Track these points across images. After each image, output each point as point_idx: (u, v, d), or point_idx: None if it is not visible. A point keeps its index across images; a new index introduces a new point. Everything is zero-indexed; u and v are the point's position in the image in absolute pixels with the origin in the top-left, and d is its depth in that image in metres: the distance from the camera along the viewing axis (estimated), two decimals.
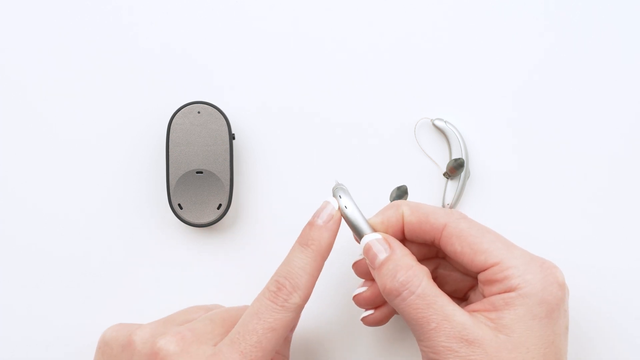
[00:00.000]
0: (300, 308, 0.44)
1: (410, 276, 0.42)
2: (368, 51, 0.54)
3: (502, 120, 0.54)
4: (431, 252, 0.48)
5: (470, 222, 0.45)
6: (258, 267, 0.53)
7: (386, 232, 0.45)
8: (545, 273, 0.42)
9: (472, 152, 0.54)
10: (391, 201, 0.49)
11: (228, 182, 0.52)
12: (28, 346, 0.54)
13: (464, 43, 0.54)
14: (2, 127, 0.54)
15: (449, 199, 0.53)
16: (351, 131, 0.54)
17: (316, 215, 0.45)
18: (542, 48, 0.54)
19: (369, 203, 0.48)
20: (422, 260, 0.47)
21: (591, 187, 0.53)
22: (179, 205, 0.52)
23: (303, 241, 0.44)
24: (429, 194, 0.54)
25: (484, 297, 0.43)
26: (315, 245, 0.44)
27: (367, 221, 0.45)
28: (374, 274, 0.44)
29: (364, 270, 0.48)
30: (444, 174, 0.53)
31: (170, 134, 0.52)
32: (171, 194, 0.52)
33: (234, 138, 0.53)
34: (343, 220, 0.45)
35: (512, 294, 0.42)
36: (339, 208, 0.45)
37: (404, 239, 0.46)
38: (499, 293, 0.42)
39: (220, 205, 0.52)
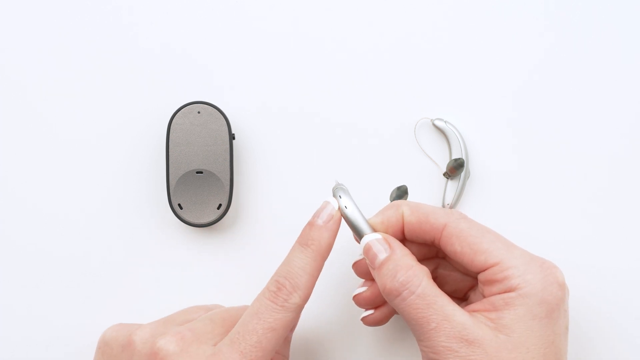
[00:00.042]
0: (300, 308, 0.44)
1: (410, 276, 0.42)
2: (368, 51, 0.54)
3: (502, 120, 0.54)
4: (431, 252, 0.48)
5: (470, 222, 0.44)
6: (258, 267, 0.53)
7: (386, 232, 0.45)
8: (545, 273, 0.42)
9: (472, 152, 0.54)
10: (391, 201, 0.49)
11: (228, 182, 0.52)
12: (28, 346, 0.54)
13: (464, 43, 0.54)
14: (2, 127, 0.54)
15: (449, 199, 0.53)
16: (351, 131, 0.54)
17: (316, 215, 0.45)
18: (542, 48, 0.54)
19: (369, 203, 0.48)
20: (422, 260, 0.47)
21: (591, 187, 0.53)
22: (179, 205, 0.52)
23: (303, 241, 0.44)
24: (429, 194, 0.54)
25: (484, 297, 0.43)
26: (315, 245, 0.44)
27: (367, 221, 0.45)
28: (374, 274, 0.44)
29: (364, 270, 0.48)
30: (444, 174, 0.53)
31: (170, 134, 0.52)
32: (171, 194, 0.52)
33: (234, 138, 0.53)
34: (343, 220, 0.45)
35: (512, 294, 0.42)
36: (339, 208, 0.45)
37: (404, 239, 0.46)
38: (499, 293, 0.42)
39: (220, 205, 0.52)
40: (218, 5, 0.54)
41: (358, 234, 0.45)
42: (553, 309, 0.42)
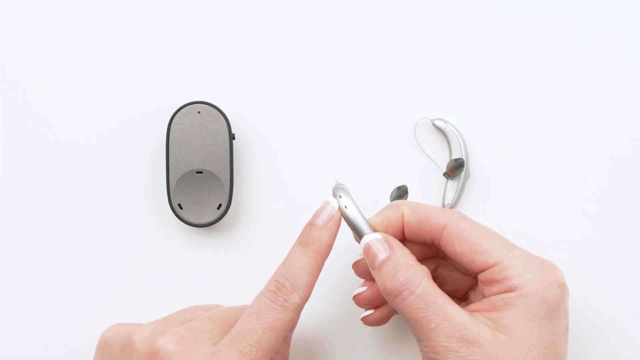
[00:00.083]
0: (300, 308, 0.44)
1: (410, 276, 0.42)
2: (368, 51, 0.54)
3: (502, 120, 0.54)
4: (431, 252, 0.48)
5: (470, 222, 0.44)
6: (258, 267, 0.53)
7: (386, 232, 0.45)
8: (545, 273, 0.42)
9: (472, 152, 0.54)
10: (391, 201, 0.49)
11: (228, 182, 0.52)
12: (28, 346, 0.54)
13: (464, 43, 0.54)
14: (2, 127, 0.54)
15: (449, 199, 0.53)
16: (351, 131, 0.54)
17: (316, 215, 0.45)
18: (542, 48, 0.54)
19: (369, 203, 0.48)
20: (422, 260, 0.47)
21: (591, 187, 0.53)
22: (179, 205, 0.52)
23: (303, 241, 0.44)
24: (429, 194, 0.54)
25: (484, 297, 0.43)
26: (315, 245, 0.44)
27: (367, 221, 0.45)
28: (374, 274, 0.44)
29: (364, 270, 0.48)
30: (444, 174, 0.53)
31: (170, 134, 0.52)
32: (171, 194, 0.52)
33: (234, 138, 0.53)
34: (343, 220, 0.45)
35: (512, 294, 0.42)
36: (339, 208, 0.45)
37: (404, 239, 0.46)
38: (499, 293, 0.42)
39: (220, 205, 0.52)
40: (218, 5, 0.54)
41: (358, 234, 0.45)
42: (553, 309, 0.42)
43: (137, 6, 0.55)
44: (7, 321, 0.54)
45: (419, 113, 0.54)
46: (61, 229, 0.54)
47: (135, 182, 0.54)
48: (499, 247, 0.43)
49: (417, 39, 0.54)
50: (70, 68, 0.54)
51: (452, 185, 0.53)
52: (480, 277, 0.43)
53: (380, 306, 0.48)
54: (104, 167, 0.54)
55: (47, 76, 0.54)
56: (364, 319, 0.48)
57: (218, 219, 0.52)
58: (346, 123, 0.54)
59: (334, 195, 0.45)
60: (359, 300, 0.48)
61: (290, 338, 0.49)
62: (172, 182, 0.52)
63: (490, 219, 0.48)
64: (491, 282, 0.43)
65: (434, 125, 0.53)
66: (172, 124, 0.52)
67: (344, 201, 0.45)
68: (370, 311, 0.48)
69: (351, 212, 0.45)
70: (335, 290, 0.53)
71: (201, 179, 0.52)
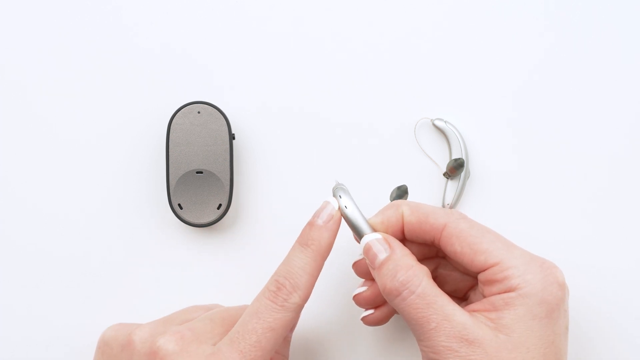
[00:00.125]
0: (299, 308, 0.44)
1: (410, 276, 0.42)
2: (368, 51, 0.54)
3: (502, 120, 0.54)
4: (431, 252, 0.48)
5: (470, 222, 0.44)
6: (258, 267, 0.53)
7: (386, 232, 0.45)
8: (545, 273, 0.42)
9: (472, 152, 0.54)
10: (391, 201, 0.49)
11: (228, 182, 0.52)
12: (28, 346, 0.54)
13: (464, 43, 0.54)
14: (2, 127, 0.54)
15: (449, 199, 0.53)
16: (351, 131, 0.54)
17: (316, 215, 0.45)
18: (542, 48, 0.54)
19: (369, 203, 0.48)
20: (422, 260, 0.47)
21: (591, 187, 0.53)
22: (179, 205, 0.52)
23: (303, 241, 0.44)
24: (429, 194, 0.54)
25: (484, 297, 0.43)
26: (315, 245, 0.44)
27: (367, 221, 0.45)
28: (374, 273, 0.44)
29: (364, 270, 0.48)
30: (444, 174, 0.53)
31: (170, 134, 0.52)
32: (171, 194, 0.52)
33: (234, 138, 0.53)
34: (343, 220, 0.45)
35: (512, 294, 0.42)
36: (339, 208, 0.45)
37: (404, 239, 0.46)
38: (499, 293, 0.42)
39: (220, 205, 0.52)
40: (218, 5, 0.54)
41: (358, 234, 0.45)
42: (553, 309, 0.42)
43: (137, 6, 0.55)
44: (7, 321, 0.54)
45: (419, 113, 0.54)
46: (61, 229, 0.54)
47: (135, 182, 0.54)
48: (499, 247, 0.43)
49: (417, 39, 0.54)
50: (70, 68, 0.54)
51: (452, 185, 0.53)
52: (480, 277, 0.43)
53: (380, 306, 0.48)
54: (104, 167, 0.54)
55: (47, 76, 0.54)
56: (364, 319, 0.48)
57: (218, 219, 0.52)
58: (346, 123, 0.54)
59: (334, 195, 0.45)
60: (359, 300, 0.48)
61: (290, 338, 0.49)
62: (172, 182, 0.52)
63: (490, 219, 0.48)
64: (491, 282, 0.43)
65: (434, 125, 0.53)
66: (172, 124, 0.52)
67: (344, 201, 0.45)
68: (370, 311, 0.48)
69: (351, 212, 0.45)
70: (335, 290, 0.53)
71: (201, 179, 0.52)
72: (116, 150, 0.54)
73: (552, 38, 0.54)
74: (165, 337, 0.44)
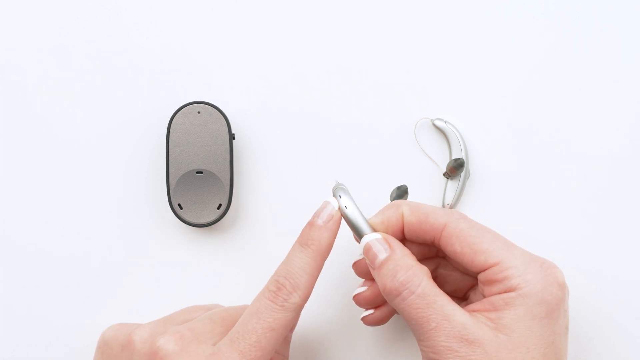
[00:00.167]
0: (299, 308, 0.44)
1: (410, 276, 0.42)
2: (368, 51, 0.54)
3: (502, 120, 0.54)
4: (431, 252, 0.48)
5: (470, 222, 0.44)
6: (258, 267, 0.53)
7: (386, 232, 0.45)
8: (545, 273, 0.42)
9: (472, 152, 0.54)
10: (391, 201, 0.49)
11: (228, 182, 0.52)
12: (28, 346, 0.54)
13: (464, 43, 0.54)
14: (2, 127, 0.54)
15: (449, 199, 0.53)
16: (351, 131, 0.54)
17: (316, 215, 0.45)
18: (542, 48, 0.54)
19: (369, 203, 0.48)
20: (422, 260, 0.47)
21: (591, 187, 0.53)
22: (179, 205, 0.52)
23: (303, 241, 0.44)
24: (429, 194, 0.54)
25: (484, 297, 0.43)
26: (315, 245, 0.44)
27: (367, 221, 0.45)
28: (374, 273, 0.44)
29: (364, 270, 0.48)
30: (444, 174, 0.53)
31: (170, 134, 0.52)
32: (171, 194, 0.52)
33: (234, 138, 0.53)
34: (343, 220, 0.45)
35: (512, 294, 0.42)
36: (339, 208, 0.45)
37: (403, 239, 0.46)
38: (499, 293, 0.42)
39: (220, 205, 0.52)
40: (218, 5, 0.54)
41: (358, 234, 0.45)
42: (553, 309, 0.42)
43: (137, 6, 0.55)
44: (7, 321, 0.54)
45: (419, 113, 0.54)
46: (61, 229, 0.54)
47: (135, 182, 0.54)
48: (499, 247, 0.43)
49: (417, 39, 0.54)
50: (70, 68, 0.54)
51: (452, 185, 0.53)
52: (480, 277, 0.43)
53: (380, 306, 0.48)
54: (104, 167, 0.54)
55: (47, 76, 0.54)
56: (364, 319, 0.48)
57: (218, 219, 0.52)
58: (346, 123, 0.54)
59: (334, 195, 0.45)
60: (359, 300, 0.48)
61: (290, 338, 0.49)
62: (172, 182, 0.52)
63: (490, 219, 0.48)
64: (491, 282, 0.43)
65: (434, 125, 0.53)
66: (172, 124, 0.52)
67: (344, 201, 0.45)
68: (370, 311, 0.48)
69: (351, 212, 0.45)
70: (335, 290, 0.53)
71: (201, 179, 0.52)
72: (116, 150, 0.54)
73: (552, 38, 0.54)
74: (165, 337, 0.44)
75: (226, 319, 0.46)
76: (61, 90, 0.54)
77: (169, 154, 0.52)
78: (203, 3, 0.54)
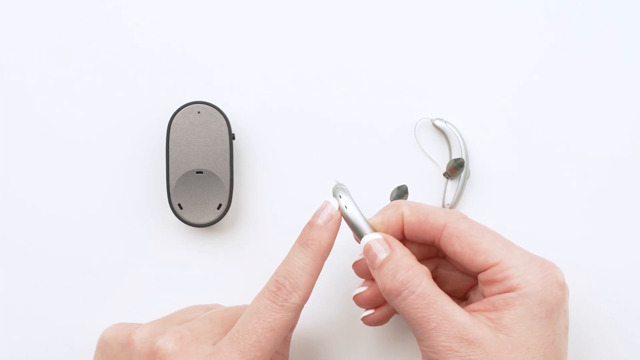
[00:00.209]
0: (299, 308, 0.44)
1: (410, 276, 0.42)
2: (368, 51, 0.54)
3: (502, 120, 0.54)
4: (431, 252, 0.48)
5: (470, 222, 0.44)
6: (258, 267, 0.53)
7: (386, 232, 0.45)
8: (545, 273, 0.42)
9: (472, 152, 0.54)
10: (391, 201, 0.49)
11: (228, 182, 0.52)
12: (28, 346, 0.54)
13: (464, 43, 0.54)
14: (2, 127, 0.54)
15: (449, 199, 0.53)
16: (351, 131, 0.54)
17: (316, 215, 0.45)
18: (542, 48, 0.54)
19: (369, 203, 0.48)
20: (422, 260, 0.47)
21: (591, 187, 0.53)
22: (179, 205, 0.52)
23: (303, 241, 0.44)
24: (429, 194, 0.54)
25: (484, 297, 0.43)
26: (315, 245, 0.44)
27: (367, 221, 0.45)
28: (374, 273, 0.44)
29: (364, 270, 0.48)
30: (444, 174, 0.53)
31: (170, 134, 0.52)
32: (171, 194, 0.52)
33: (234, 138, 0.53)
34: (343, 220, 0.45)
35: (512, 294, 0.42)
36: (339, 208, 0.45)
37: (403, 239, 0.46)
38: (499, 293, 0.42)
39: (220, 205, 0.52)
40: (218, 5, 0.54)
41: (358, 234, 0.45)
42: (553, 309, 0.42)
43: (137, 6, 0.55)
44: (7, 321, 0.54)
45: (419, 113, 0.54)
46: (61, 229, 0.54)
47: (135, 182, 0.54)
48: (499, 247, 0.43)
49: (417, 39, 0.54)
50: (70, 68, 0.54)
51: (452, 185, 0.53)
52: (480, 277, 0.43)
53: (381, 306, 0.48)
54: (104, 167, 0.54)
55: (47, 76, 0.54)
56: (364, 319, 0.48)
57: (218, 219, 0.52)
58: (346, 123, 0.54)
59: (334, 195, 0.45)
60: (359, 300, 0.48)
61: (290, 338, 0.49)
62: (172, 182, 0.52)
63: (490, 219, 0.48)
64: (491, 282, 0.43)
65: (434, 125, 0.53)
66: (172, 124, 0.52)
67: (344, 201, 0.45)
68: (371, 311, 0.48)
69: (351, 212, 0.45)
70: (335, 290, 0.53)
71: (201, 179, 0.52)
72: (116, 150, 0.54)
73: (552, 38, 0.54)
74: (165, 337, 0.44)
75: (226, 319, 0.46)
76: (61, 90, 0.54)
77: (169, 154, 0.52)
78: (203, 3, 0.54)
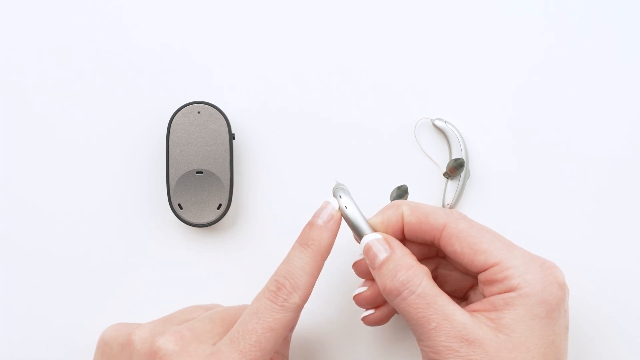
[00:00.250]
0: (299, 308, 0.44)
1: (411, 276, 0.42)
2: (368, 51, 0.54)
3: (502, 120, 0.54)
4: (431, 252, 0.48)
5: (470, 222, 0.44)
6: (258, 267, 0.53)
7: (386, 232, 0.45)
8: (545, 273, 0.42)
9: (472, 152, 0.54)
10: (391, 201, 0.49)
11: (228, 182, 0.52)
12: (28, 346, 0.54)
13: (464, 43, 0.54)
14: (2, 127, 0.54)
15: (449, 199, 0.53)
16: (351, 131, 0.54)
17: (316, 215, 0.45)
18: (542, 48, 0.54)
19: (369, 203, 0.48)
20: (422, 260, 0.47)
21: (591, 187, 0.53)
22: (179, 205, 0.52)
23: (303, 241, 0.44)
24: (429, 194, 0.54)
25: (484, 297, 0.43)
26: (315, 245, 0.44)
27: (367, 221, 0.45)
28: (374, 273, 0.44)
29: (364, 270, 0.48)
30: (444, 174, 0.53)
31: (170, 134, 0.52)
32: (171, 194, 0.52)
33: (234, 138, 0.53)
34: (343, 220, 0.45)
35: (512, 294, 0.42)
36: (339, 208, 0.45)
37: (404, 239, 0.46)
38: (499, 293, 0.42)
39: (220, 205, 0.52)
40: (218, 5, 0.54)
41: (358, 234, 0.45)
42: (553, 309, 0.42)
43: (137, 6, 0.55)
44: (7, 321, 0.54)
45: (419, 113, 0.54)
46: (61, 229, 0.54)
47: (135, 182, 0.54)
48: (498, 247, 0.43)
49: (417, 39, 0.54)
50: (70, 68, 0.54)
51: (452, 185, 0.53)
52: (480, 277, 0.43)
53: (381, 306, 0.48)
54: (104, 167, 0.54)
55: (47, 76, 0.54)
56: (364, 319, 0.48)
57: (218, 219, 0.52)
58: (346, 123, 0.54)
59: (334, 195, 0.45)
60: (359, 300, 0.48)
61: (290, 338, 0.49)
62: (172, 182, 0.52)
63: (490, 219, 0.48)
64: (491, 282, 0.43)
65: (434, 125, 0.53)
66: (172, 124, 0.52)
67: (344, 201, 0.45)
68: (371, 311, 0.48)
69: (351, 212, 0.45)
70: (335, 290, 0.53)
71: (201, 179, 0.52)
72: (116, 150, 0.54)
73: (552, 38, 0.54)
74: (165, 337, 0.44)
75: (226, 319, 0.46)
76: (61, 90, 0.54)
77: (169, 154, 0.52)
78: (203, 3, 0.54)
